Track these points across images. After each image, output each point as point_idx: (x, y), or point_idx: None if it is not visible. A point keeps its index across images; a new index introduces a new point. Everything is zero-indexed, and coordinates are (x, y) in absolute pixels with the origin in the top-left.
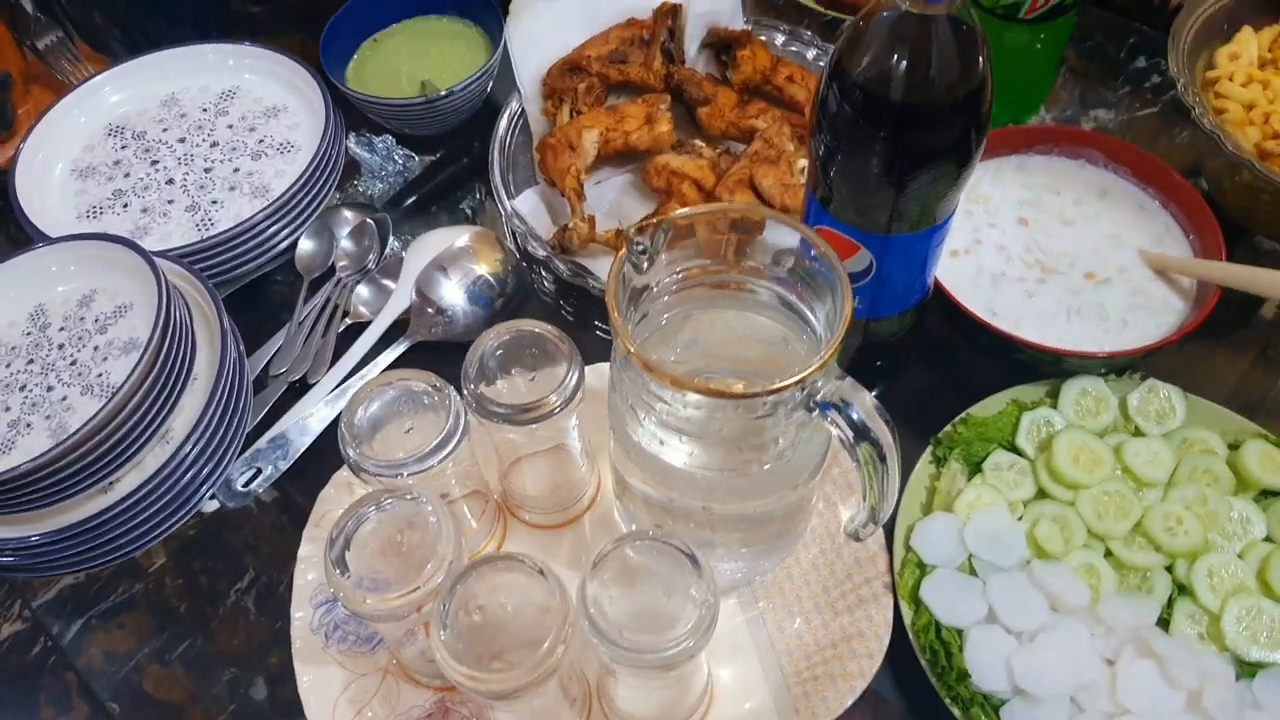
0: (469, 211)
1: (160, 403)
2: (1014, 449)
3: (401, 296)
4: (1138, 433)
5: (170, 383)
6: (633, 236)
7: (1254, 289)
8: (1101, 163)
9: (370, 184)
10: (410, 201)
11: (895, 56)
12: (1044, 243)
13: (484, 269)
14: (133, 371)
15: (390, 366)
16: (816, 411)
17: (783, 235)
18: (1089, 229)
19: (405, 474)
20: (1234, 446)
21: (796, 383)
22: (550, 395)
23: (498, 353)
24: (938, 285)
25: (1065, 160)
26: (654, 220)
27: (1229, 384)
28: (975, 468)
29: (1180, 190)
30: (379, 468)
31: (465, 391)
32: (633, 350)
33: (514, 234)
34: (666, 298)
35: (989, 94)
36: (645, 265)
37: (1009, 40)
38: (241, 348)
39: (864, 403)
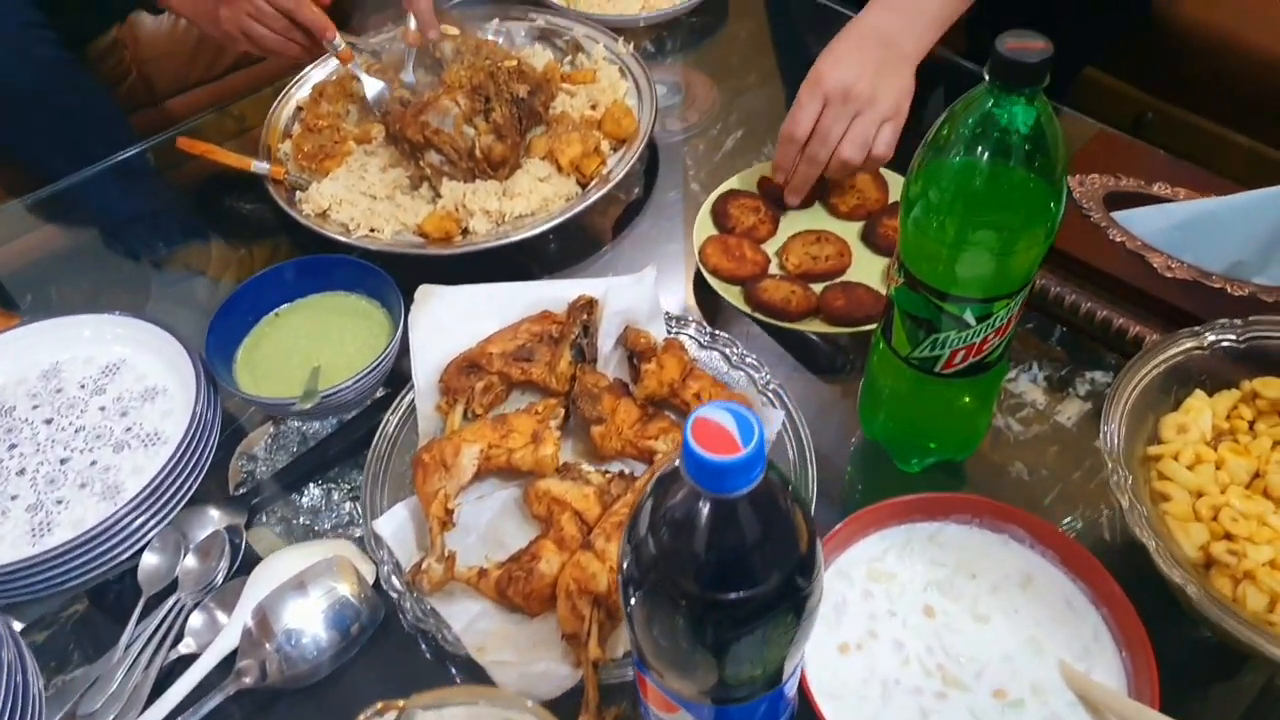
0: (349, 504)
1: None
2: None
3: (232, 631)
4: None
5: None
6: None
7: None
8: (1028, 543)
9: (274, 456)
10: (312, 478)
11: (691, 535)
12: (950, 642)
13: (344, 590)
14: None
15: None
16: None
17: None
18: (1005, 628)
19: None
20: None
21: None
22: None
23: None
24: (811, 703)
25: (987, 534)
26: (400, 704)
27: None
28: None
29: (1113, 598)
30: None
31: None
32: None
33: (372, 556)
34: None
35: (805, 562)
36: None
37: (931, 389)
38: (32, 695)
39: None
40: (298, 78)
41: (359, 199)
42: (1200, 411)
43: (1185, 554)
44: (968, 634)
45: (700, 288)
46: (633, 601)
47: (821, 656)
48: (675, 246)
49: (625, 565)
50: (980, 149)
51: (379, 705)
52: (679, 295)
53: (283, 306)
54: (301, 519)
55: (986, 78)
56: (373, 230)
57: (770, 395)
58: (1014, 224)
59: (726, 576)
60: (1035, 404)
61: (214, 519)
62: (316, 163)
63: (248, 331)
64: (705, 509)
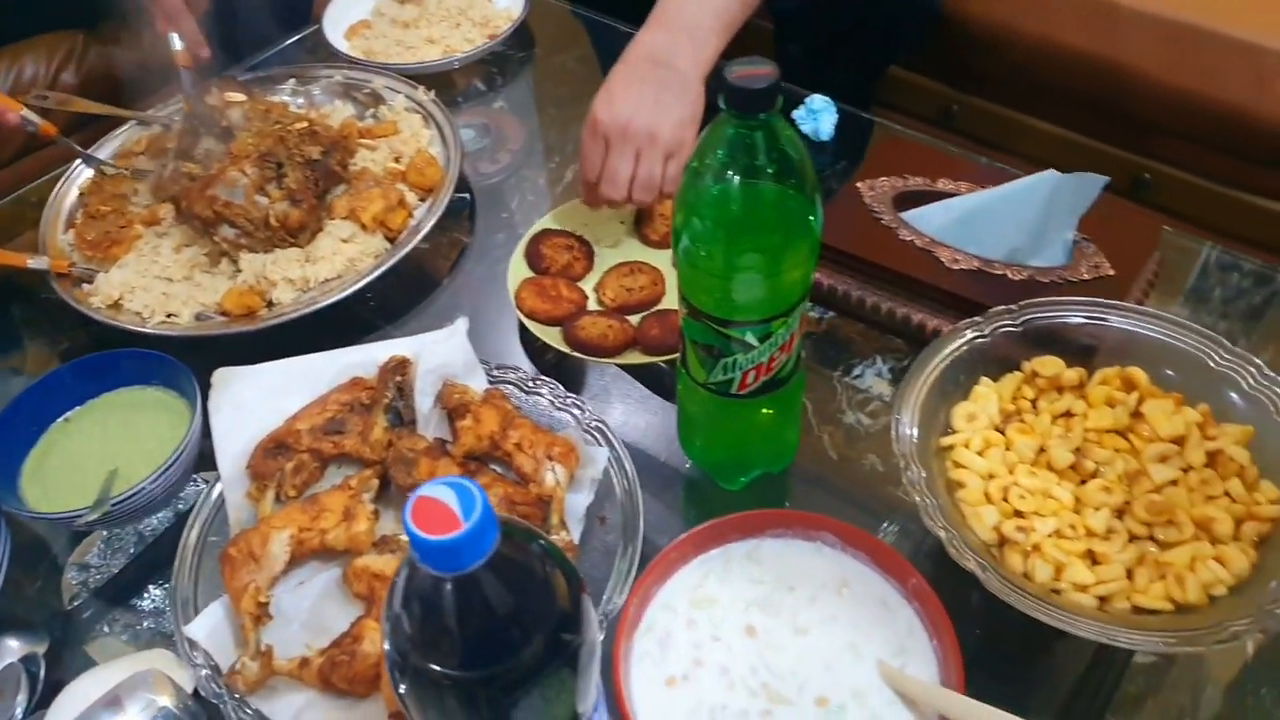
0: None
1: None
2: None
3: None
4: None
5: None
6: None
7: None
8: (839, 547)
9: (109, 562)
10: (154, 577)
11: (437, 619)
12: (773, 660)
13: (166, 701)
14: None
15: None
16: None
17: None
18: (824, 637)
19: None
20: None
21: None
22: None
23: None
24: None
25: (801, 545)
26: None
27: None
28: None
29: (920, 591)
30: None
31: None
32: None
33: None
34: None
35: (568, 614)
36: None
37: (733, 409)
38: None
39: None
40: (74, 164)
41: (153, 283)
42: (987, 398)
43: (979, 538)
44: (789, 649)
45: (524, 331)
46: (401, 689)
47: (649, 693)
48: (492, 293)
49: (388, 651)
50: (731, 174)
51: None
52: (509, 341)
53: (72, 411)
54: (146, 623)
55: (722, 106)
56: (170, 315)
57: (594, 434)
58: (776, 244)
59: (484, 651)
60: (881, 396)
61: (12, 649)
62: (103, 250)
63: (34, 443)
64: (446, 588)
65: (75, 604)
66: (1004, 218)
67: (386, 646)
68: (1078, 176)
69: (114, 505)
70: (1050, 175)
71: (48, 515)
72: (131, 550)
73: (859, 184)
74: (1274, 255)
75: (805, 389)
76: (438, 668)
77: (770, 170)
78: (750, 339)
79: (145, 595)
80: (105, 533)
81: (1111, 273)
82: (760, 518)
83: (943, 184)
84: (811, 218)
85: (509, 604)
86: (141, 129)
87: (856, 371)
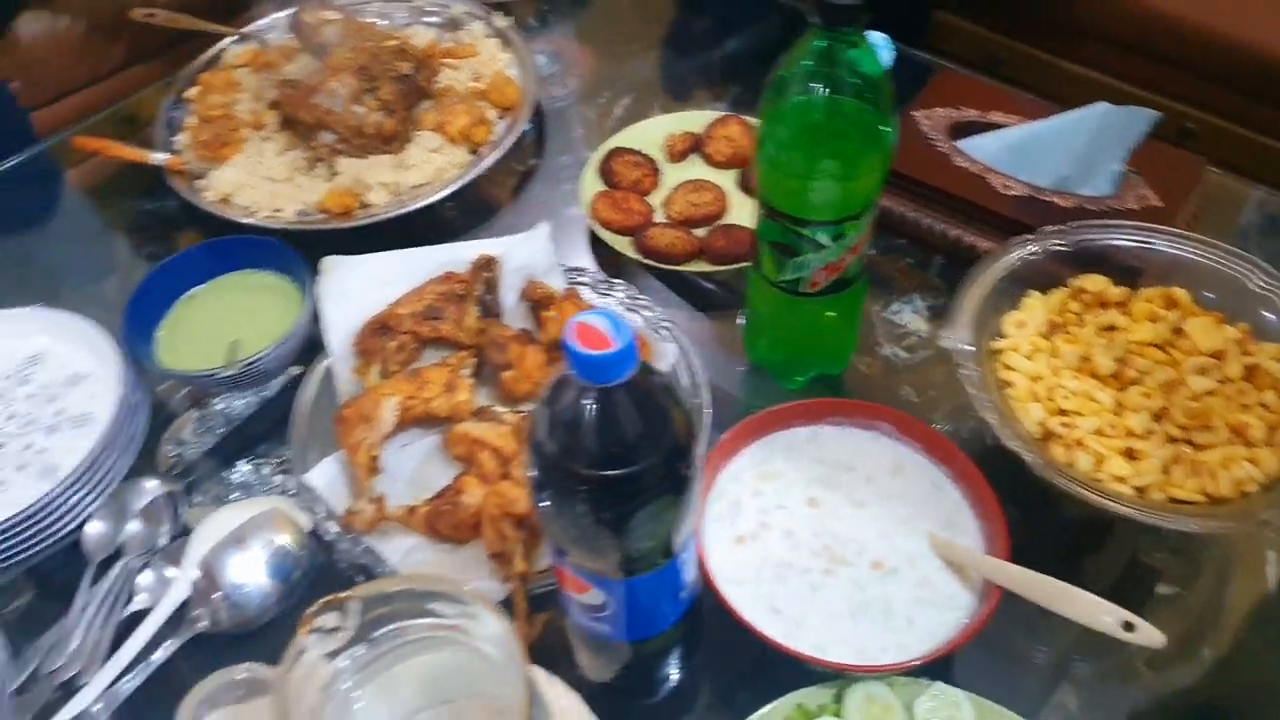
0: (279, 476)
1: None
2: None
3: (182, 582)
4: None
5: None
6: (316, 619)
7: (1026, 595)
8: (895, 435)
9: (200, 439)
10: (241, 456)
11: (582, 424)
12: (834, 527)
13: (283, 540)
14: None
15: (175, 659)
16: None
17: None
18: (880, 510)
19: None
20: None
21: None
22: None
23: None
24: (713, 589)
25: (859, 432)
26: (342, 595)
27: (1029, 682)
28: None
29: (969, 474)
30: None
31: None
32: None
33: (309, 508)
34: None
35: (682, 444)
36: (339, 643)
37: (801, 309)
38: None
39: None
40: (183, 72)
41: (259, 182)
42: (1036, 308)
43: (1025, 430)
44: (848, 519)
45: (594, 241)
46: (541, 499)
47: (721, 549)
48: (568, 205)
49: (531, 471)
50: (815, 86)
51: (325, 600)
52: (576, 250)
53: (195, 289)
54: (234, 495)
55: (816, 21)
56: (276, 210)
57: (663, 332)
58: (852, 151)
59: (613, 457)
60: (919, 332)
61: (151, 489)
62: (214, 151)
63: (163, 315)
64: (590, 400)
65: (171, 475)
66: (1055, 147)
67: (531, 466)
68: (1128, 110)
69: (245, 366)
70: (1101, 107)
71: (187, 373)
72: (219, 430)
73: (914, 113)
74: None
75: (866, 295)
76: (575, 474)
77: (851, 82)
78: (823, 239)
79: (235, 469)
80: (197, 413)
81: (1158, 204)
82: (821, 406)
83: (995, 116)
84: (885, 128)
85: (639, 421)
86: (240, 44)
87: (895, 308)
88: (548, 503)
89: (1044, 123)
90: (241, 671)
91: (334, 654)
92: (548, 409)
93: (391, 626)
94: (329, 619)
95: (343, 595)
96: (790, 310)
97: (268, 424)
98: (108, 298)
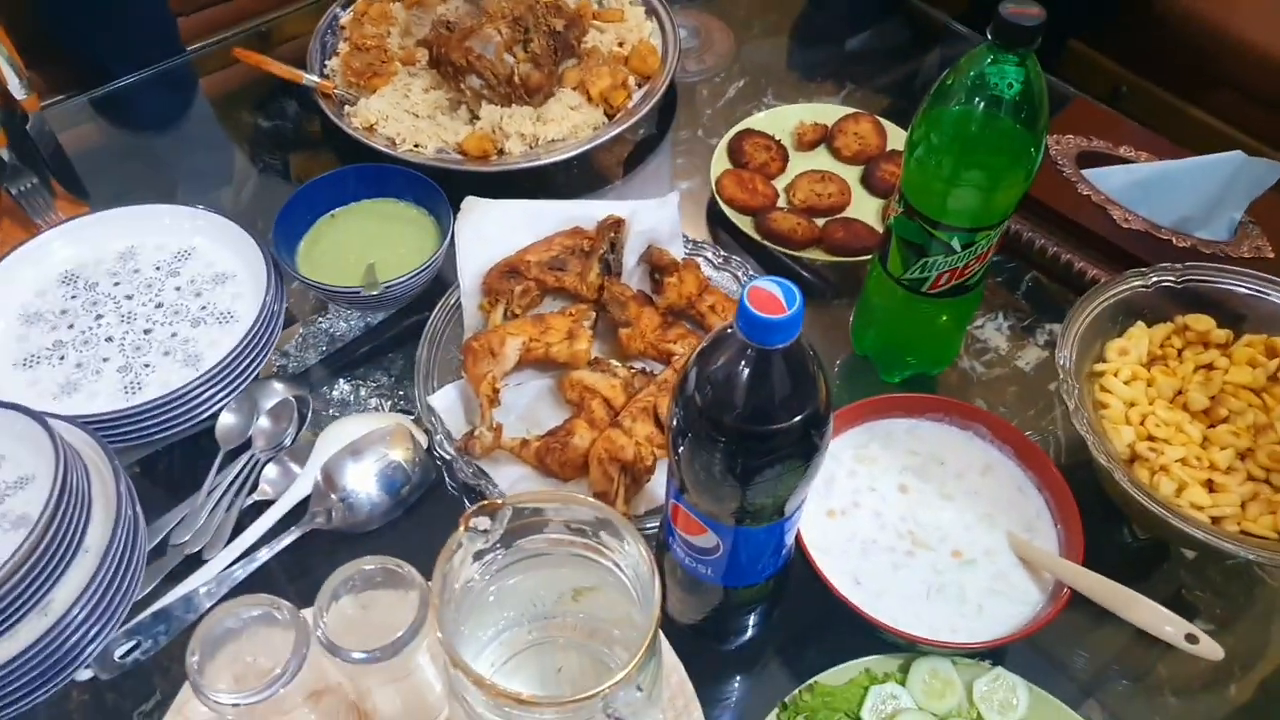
0: (399, 394)
1: (43, 580)
2: None
3: (305, 481)
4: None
5: (55, 561)
6: (473, 519)
7: (1096, 598)
8: (988, 438)
9: (304, 354)
10: (340, 375)
11: (736, 380)
12: (920, 514)
13: (398, 455)
14: (15, 552)
15: (286, 550)
16: None
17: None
18: (966, 505)
19: (244, 703)
20: None
21: (592, 695)
22: (398, 634)
23: (349, 588)
24: (804, 552)
25: (955, 430)
26: (498, 501)
27: (1078, 680)
28: None
29: (1055, 483)
30: (220, 697)
31: (317, 632)
32: (454, 658)
33: (428, 428)
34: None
35: (821, 415)
36: (486, 547)
37: (917, 308)
38: (140, 520)
39: None
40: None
41: (403, 116)
42: (1139, 338)
43: (1115, 449)
44: (934, 508)
45: (713, 216)
46: (680, 445)
47: (814, 520)
48: (688, 179)
49: (674, 417)
50: (977, 99)
51: (481, 504)
52: (693, 223)
53: (338, 209)
54: (331, 411)
55: (989, 36)
56: (417, 145)
57: None
58: (999, 165)
59: (759, 414)
60: (998, 349)
61: (279, 390)
62: (364, 79)
63: (307, 229)
64: (750, 359)
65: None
66: (1180, 188)
67: (675, 412)
68: (1262, 162)
69: (385, 288)
70: (1237, 156)
71: (330, 286)
72: (322, 349)
73: (1048, 137)
74: None
75: (978, 306)
76: (720, 426)
77: (1013, 100)
78: (955, 244)
79: (335, 387)
80: (302, 329)
81: (1270, 256)
82: (924, 401)
83: (1124, 150)
84: (1034, 150)
85: (789, 385)
86: None
87: (979, 323)
88: (686, 449)
89: (1175, 163)
90: (371, 562)
91: (480, 554)
92: (702, 362)
93: (535, 537)
94: (482, 521)
95: (499, 501)
96: (906, 307)
97: (371, 347)
98: (249, 202)
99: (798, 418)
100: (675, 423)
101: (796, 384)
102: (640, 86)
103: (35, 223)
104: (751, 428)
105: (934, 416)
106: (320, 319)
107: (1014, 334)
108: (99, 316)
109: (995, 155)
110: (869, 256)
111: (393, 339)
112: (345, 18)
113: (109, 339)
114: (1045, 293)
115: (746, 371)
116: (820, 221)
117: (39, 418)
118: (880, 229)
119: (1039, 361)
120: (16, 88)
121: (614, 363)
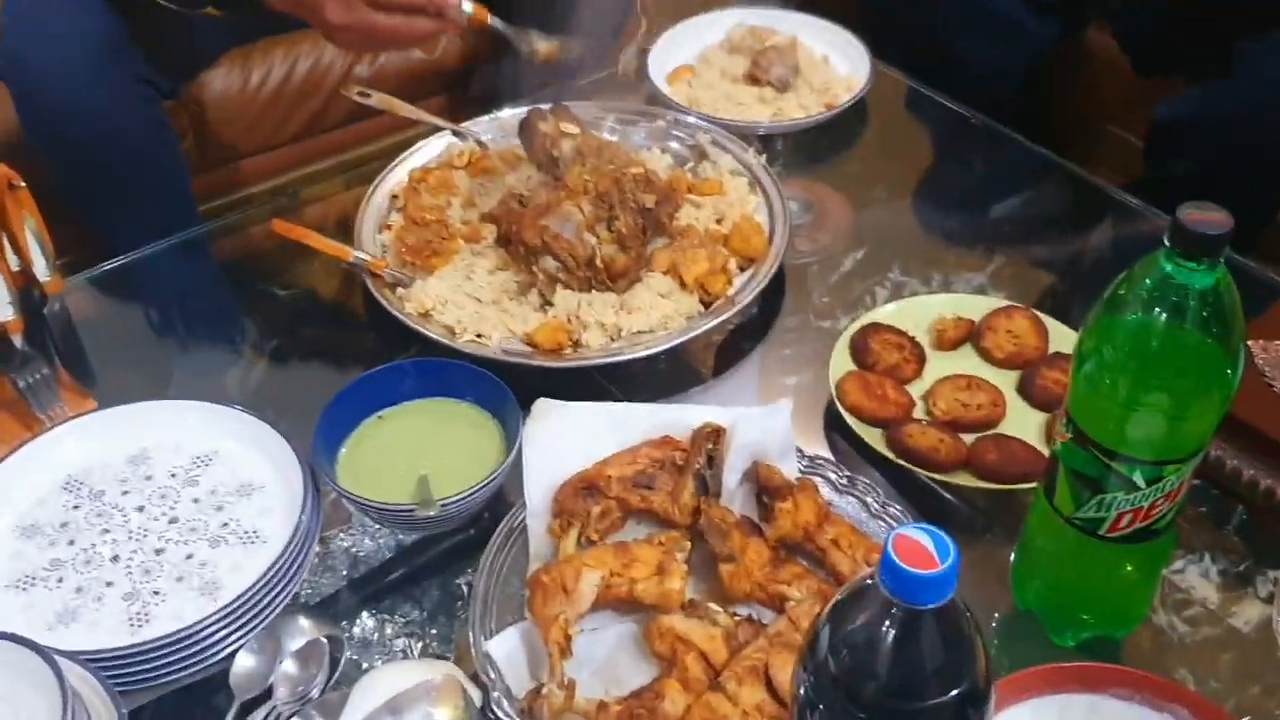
0: (431, 632)
1: None
2: None
3: None
4: None
5: None
6: None
7: None
8: None
9: (319, 578)
10: (364, 606)
11: (879, 644)
12: None
13: (445, 714)
14: None
15: None
16: None
17: None
18: None
19: None
20: None
21: None
22: None
23: None
24: None
25: (1149, 713)
26: None
27: None
28: None
29: None
30: None
31: None
32: None
33: (484, 679)
34: None
35: (980, 689)
36: None
37: (1093, 554)
38: None
39: None
40: (394, 163)
41: (465, 301)
42: None
43: None
44: None
45: (832, 424)
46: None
47: None
48: (798, 378)
49: (801, 685)
50: (1157, 311)
51: None
52: (807, 433)
53: (388, 409)
54: (350, 654)
55: (1166, 243)
56: (479, 335)
57: None
58: (1188, 388)
59: (909, 688)
60: (1206, 602)
61: (306, 628)
62: (422, 258)
63: (350, 431)
64: (895, 620)
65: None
66: None
67: (803, 682)
68: None
69: (442, 505)
70: None
71: (375, 503)
72: (343, 572)
73: (1249, 342)
74: None
75: (1173, 550)
76: (863, 695)
77: (1200, 313)
78: (1137, 478)
79: (356, 623)
80: (320, 548)
81: None
82: (1106, 672)
83: None
84: (1230, 371)
85: (944, 653)
86: (458, 141)
87: (1178, 565)
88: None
89: None
90: None
91: None
92: (838, 620)
93: None
94: None
95: None
96: (1080, 553)
97: (402, 574)
98: (280, 397)
99: (954, 691)
100: (803, 692)
101: (950, 650)
102: (742, 270)
103: (39, 417)
104: (899, 704)
105: (1119, 693)
106: (341, 535)
107: (1226, 582)
108: (104, 531)
109: (1183, 376)
110: (1031, 485)
111: (427, 564)
112: (398, 186)
113: (114, 558)
114: (1265, 530)
115: (892, 634)
116: (968, 439)
117: (47, 656)
118: (1043, 450)
119: (1262, 620)
120: (42, 270)
121: (713, 607)
